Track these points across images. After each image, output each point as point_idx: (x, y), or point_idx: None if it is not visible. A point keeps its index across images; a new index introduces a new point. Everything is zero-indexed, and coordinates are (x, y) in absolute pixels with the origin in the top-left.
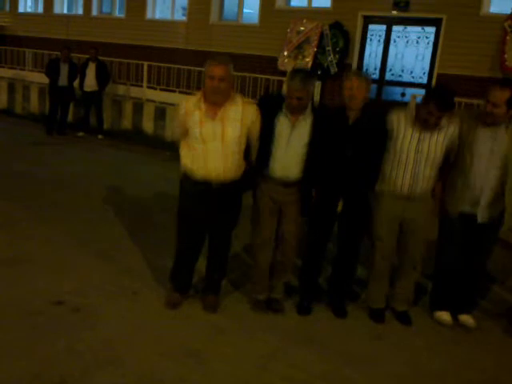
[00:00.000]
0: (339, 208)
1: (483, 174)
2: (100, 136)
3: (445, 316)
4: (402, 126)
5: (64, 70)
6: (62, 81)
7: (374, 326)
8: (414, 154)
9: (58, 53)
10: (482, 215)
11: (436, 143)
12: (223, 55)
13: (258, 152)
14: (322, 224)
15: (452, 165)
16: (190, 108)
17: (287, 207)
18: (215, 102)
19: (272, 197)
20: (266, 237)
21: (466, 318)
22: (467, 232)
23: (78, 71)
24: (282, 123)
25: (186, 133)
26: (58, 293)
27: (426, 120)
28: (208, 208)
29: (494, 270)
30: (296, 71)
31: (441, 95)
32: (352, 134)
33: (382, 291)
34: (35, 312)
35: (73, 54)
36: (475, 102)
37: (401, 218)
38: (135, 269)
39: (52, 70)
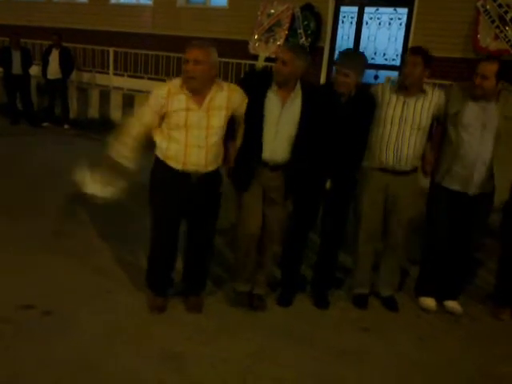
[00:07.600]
0: (328, 185)
1: (475, 149)
2: (66, 126)
3: (429, 302)
4: (386, 94)
5: (16, 57)
6: (16, 69)
7: (360, 316)
8: (398, 121)
9: (7, 39)
10: (473, 190)
11: (421, 110)
12: (196, 39)
13: (244, 134)
14: (308, 206)
15: (442, 138)
16: (174, 90)
17: (272, 193)
18: (191, 88)
19: (258, 181)
20: (254, 225)
21: (452, 305)
22: (457, 210)
23: (32, 57)
24: (271, 102)
25: (160, 119)
26: (26, 297)
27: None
28: (185, 201)
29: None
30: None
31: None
32: (345, 111)
33: (366, 275)
34: (1, 320)
35: (35, 41)
36: (449, 83)
37: (385, 194)
38: (108, 267)
39: (3, 59)
